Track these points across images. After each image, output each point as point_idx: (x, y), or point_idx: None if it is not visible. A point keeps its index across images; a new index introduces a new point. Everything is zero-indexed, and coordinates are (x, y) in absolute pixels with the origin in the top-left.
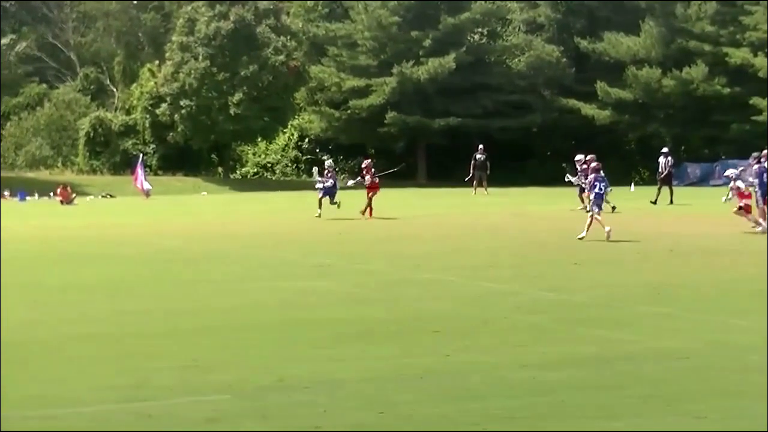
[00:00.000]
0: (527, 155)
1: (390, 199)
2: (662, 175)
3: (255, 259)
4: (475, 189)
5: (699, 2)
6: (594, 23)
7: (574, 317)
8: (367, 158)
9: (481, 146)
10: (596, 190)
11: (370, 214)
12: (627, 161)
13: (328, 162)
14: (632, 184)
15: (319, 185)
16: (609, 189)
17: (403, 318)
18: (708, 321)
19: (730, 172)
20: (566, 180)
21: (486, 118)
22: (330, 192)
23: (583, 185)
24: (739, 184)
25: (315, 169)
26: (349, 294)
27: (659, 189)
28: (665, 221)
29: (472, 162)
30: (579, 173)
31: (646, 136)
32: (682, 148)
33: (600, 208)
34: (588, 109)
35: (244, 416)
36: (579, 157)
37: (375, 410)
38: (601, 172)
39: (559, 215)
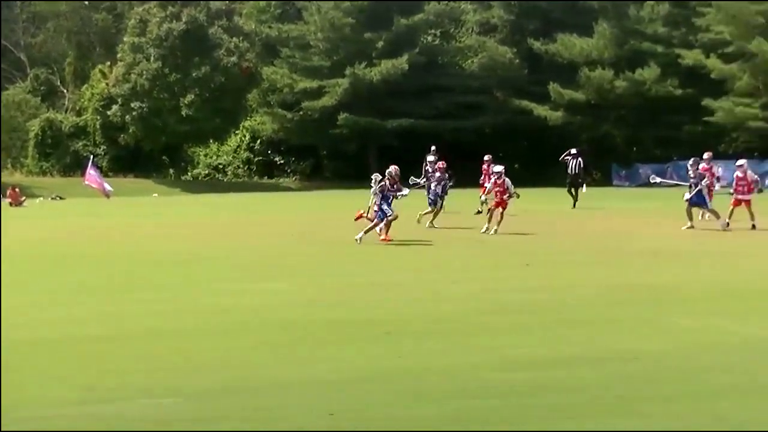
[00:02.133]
0: (480, 156)
1: (344, 200)
2: (573, 177)
3: (211, 261)
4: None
5: (652, 3)
6: (547, 24)
7: (530, 318)
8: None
9: (433, 147)
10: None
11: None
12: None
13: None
14: (584, 185)
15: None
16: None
17: (364, 320)
18: (662, 321)
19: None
20: (411, 183)
21: (439, 119)
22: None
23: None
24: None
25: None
26: (310, 296)
27: (573, 192)
28: (615, 222)
29: (424, 163)
30: (430, 175)
31: (598, 136)
32: (634, 148)
33: (385, 216)
34: (541, 110)
35: (193, 420)
36: (431, 158)
37: (326, 412)
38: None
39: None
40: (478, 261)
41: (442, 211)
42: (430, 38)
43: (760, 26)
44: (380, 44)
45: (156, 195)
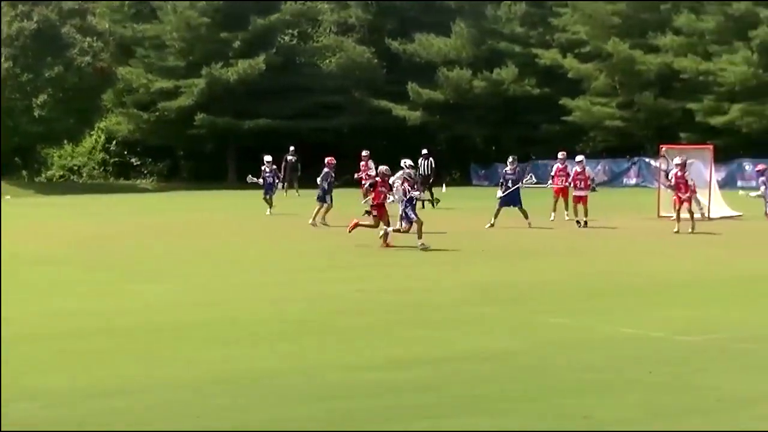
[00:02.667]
0: (340, 156)
1: (203, 200)
2: (426, 178)
3: (79, 263)
4: (287, 191)
5: (509, 3)
6: (405, 24)
7: (396, 318)
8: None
9: (292, 148)
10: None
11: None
12: (438, 162)
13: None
14: (444, 185)
15: None
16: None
17: (223, 321)
18: (525, 319)
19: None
20: (248, 181)
21: (297, 119)
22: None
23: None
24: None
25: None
26: (178, 298)
27: (430, 193)
28: (475, 221)
29: (283, 164)
30: (268, 173)
31: (456, 136)
32: (493, 148)
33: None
34: (399, 110)
35: (52, 423)
36: (268, 158)
37: (193, 415)
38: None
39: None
40: (352, 260)
41: (332, 207)
42: (287, 38)
43: (616, 26)
44: (237, 44)
45: (8, 197)
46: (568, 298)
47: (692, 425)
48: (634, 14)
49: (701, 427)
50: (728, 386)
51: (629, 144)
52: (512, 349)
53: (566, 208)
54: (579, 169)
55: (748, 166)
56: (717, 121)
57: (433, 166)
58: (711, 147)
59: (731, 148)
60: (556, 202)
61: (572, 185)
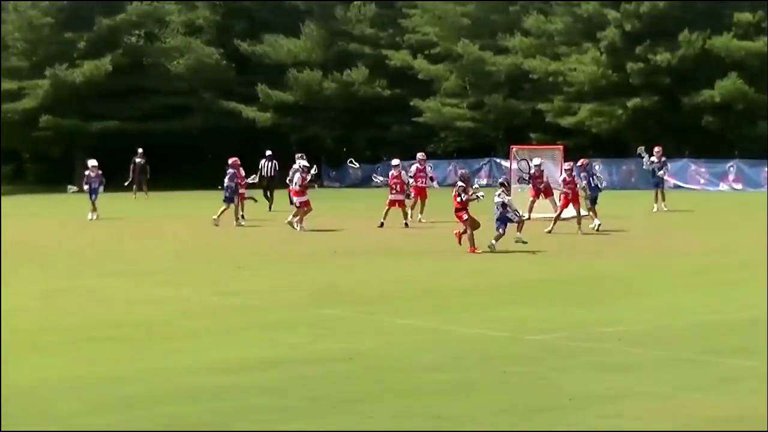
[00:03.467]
0: (190, 158)
1: (48, 205)
2: (270, 179)
3: None
4: (136, 193)
5: (358, 4)
6: (254, 25)
7: (242, 321)
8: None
9: (140, 150)
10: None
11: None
12: (289, 163)
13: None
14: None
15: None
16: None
17: (69, 326)
18: (375, 321)
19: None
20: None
21: (145, 121)
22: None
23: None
24: None
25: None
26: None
27: (271, 195)
28: (326, 222)
29: (132, 166)
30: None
31: (307, 138)
32: (345, 149)
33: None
34: (249, 112)
35: None
36: (92, 162)
37: (39, 421)
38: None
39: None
40: (203, 260)
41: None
42: (134, 39)
43: (466, 27)
44: (82, 44)
45: None
46: (414, 299)
47: (540, 424)
48: (483, 15)
49: (550, 425)
50: (576, 384)
51: (480, 144)
52: (360, 350)
53: (420, 211)
54: (395, 173)
55: (598, 166)
56: (567, 121)
57: (277, 168)
58: (561, 147)
59: (581, 148)
60: (415, 203)
61: (389, 189)
